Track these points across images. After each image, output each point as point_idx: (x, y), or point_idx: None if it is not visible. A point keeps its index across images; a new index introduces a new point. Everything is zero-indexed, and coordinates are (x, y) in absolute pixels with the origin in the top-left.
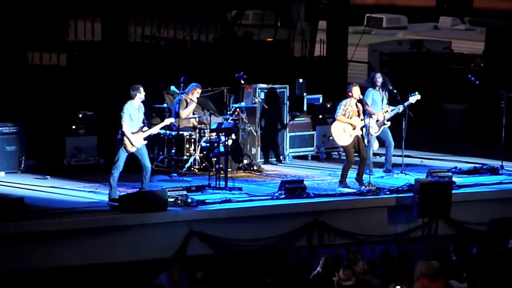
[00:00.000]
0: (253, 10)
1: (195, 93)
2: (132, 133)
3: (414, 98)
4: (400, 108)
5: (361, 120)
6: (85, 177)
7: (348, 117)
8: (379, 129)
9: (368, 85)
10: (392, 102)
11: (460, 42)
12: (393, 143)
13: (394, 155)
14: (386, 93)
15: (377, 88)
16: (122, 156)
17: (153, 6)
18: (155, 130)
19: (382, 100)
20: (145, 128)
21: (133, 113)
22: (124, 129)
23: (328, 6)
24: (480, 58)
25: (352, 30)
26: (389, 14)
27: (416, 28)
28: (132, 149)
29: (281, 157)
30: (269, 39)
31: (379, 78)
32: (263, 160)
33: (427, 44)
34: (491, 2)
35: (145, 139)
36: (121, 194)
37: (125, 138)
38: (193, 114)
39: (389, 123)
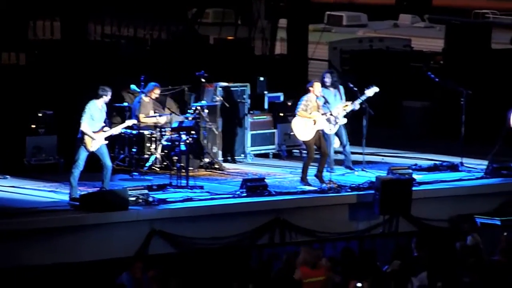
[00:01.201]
0: (214, 9)
1: (153, 93)
2: (93, 132)
3: (371, 91)
4: (357, 104)
5: (322, 115)
6: (46, 176)
7: (309, 113)
8: (335, 127)
9: None
10: (352, 99)
11: (419, 39)
12: (347, 142)
13: (355, 153)
14: (339, 91)
15: (327, 87)
16: (83, 155)
17: (113, 4)
18: (117, 130)
19: (335, 98)
20: (106, 128)
21: (95, 112)
22: (82, 127)
23: (288, 4)
24: (440, 56)
25: (312, 28)
26: (349, 12)
27: (376, 26)
28: (92, 148)
29: (242, 155)
30: (229, 37)
31: (327, 78)
32: (226, 158)
33: (387, 42)
34: None
35: (106, 139)
36: (82, 193)
37: (85, 137)
38: (154, 112)
39: (345, 120)
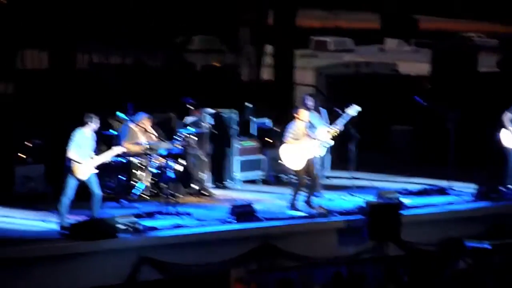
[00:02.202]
0: (200, 36)
1: (143, 123)
2: (82, 160)
3: (351, 110)
4: (341, 125)
5: (310, 141)
6: (34, 205)
7: (297, 140)
8: (323, 151)
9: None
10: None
11: (406, 63)
12: (323, 167)
13: (343, 177)
14: (320, 113)
15: (310, 110)
16: (71, 183)
17: (101, 33)
18: (106, 158)
19: (320, 120)
20: (95, 156)
21: (82, 140)
22: (70, 155)
23: (275, 30)
24: (427, 79)
25: (299, 53)
26: (335, 37)
27: (362, 51)
28: (81, 176)
29: (230, 181)
30: (216, 64)
31: (309, 101)
32: (212, 184)
33: (373, 66)
34: (436, 23)
35: (96, 167)
36: (71, 222)
37: (73, 165)
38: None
39: (332, 142)
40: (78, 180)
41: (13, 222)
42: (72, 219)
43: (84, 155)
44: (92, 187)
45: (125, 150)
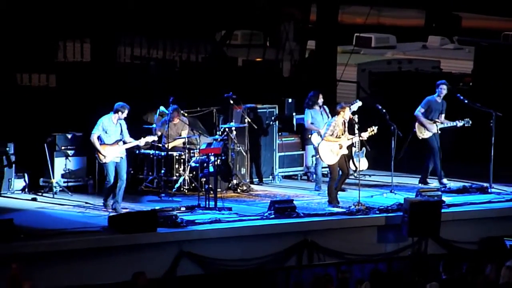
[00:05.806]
0: (242, 30)
1: (175, 118)
2: (108, 144)
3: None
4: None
5: (348, 139)
6: (75, 198)
7: (336, 137)
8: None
9: (305, 106)
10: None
11: (448, 61)
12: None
13: (383, 175)
14: (325, 110)
15: (313, 107)
16: (109, 168)
17: (142, 26)
18: (134, 144)
19: (323, 116)
20: (121, 142)
21: (109, 126)
22: (91, 138)
23: (317, 26)
24: (469, 77)
25: (341, 49)
26: (378, 34)
27: (405, 48)
28: (105, 160)
29: (270, 177)
30: (258, 59)
31: (315, 99)
32: (252, 180)
33: (416, 64)
34: (480, 21)
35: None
36: (111, 214)
37: (97, 151)
38: (181, 134)
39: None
40: (105, 162)
41: (54, 214)
42: (111, 212)
43: (110, 140)
44: (120, 172)
45: (156, 138)
